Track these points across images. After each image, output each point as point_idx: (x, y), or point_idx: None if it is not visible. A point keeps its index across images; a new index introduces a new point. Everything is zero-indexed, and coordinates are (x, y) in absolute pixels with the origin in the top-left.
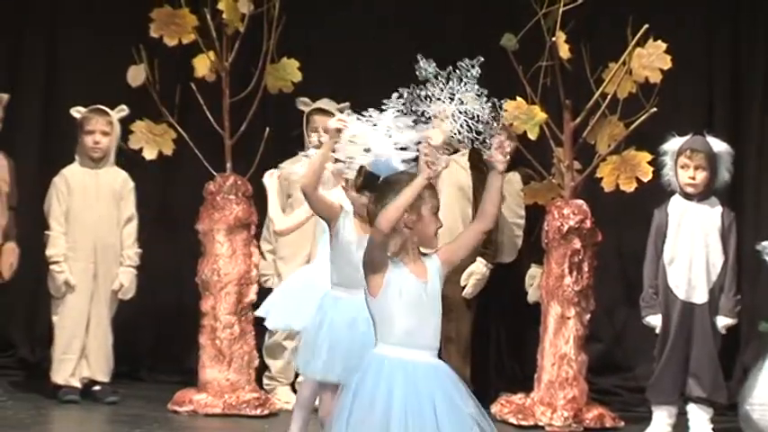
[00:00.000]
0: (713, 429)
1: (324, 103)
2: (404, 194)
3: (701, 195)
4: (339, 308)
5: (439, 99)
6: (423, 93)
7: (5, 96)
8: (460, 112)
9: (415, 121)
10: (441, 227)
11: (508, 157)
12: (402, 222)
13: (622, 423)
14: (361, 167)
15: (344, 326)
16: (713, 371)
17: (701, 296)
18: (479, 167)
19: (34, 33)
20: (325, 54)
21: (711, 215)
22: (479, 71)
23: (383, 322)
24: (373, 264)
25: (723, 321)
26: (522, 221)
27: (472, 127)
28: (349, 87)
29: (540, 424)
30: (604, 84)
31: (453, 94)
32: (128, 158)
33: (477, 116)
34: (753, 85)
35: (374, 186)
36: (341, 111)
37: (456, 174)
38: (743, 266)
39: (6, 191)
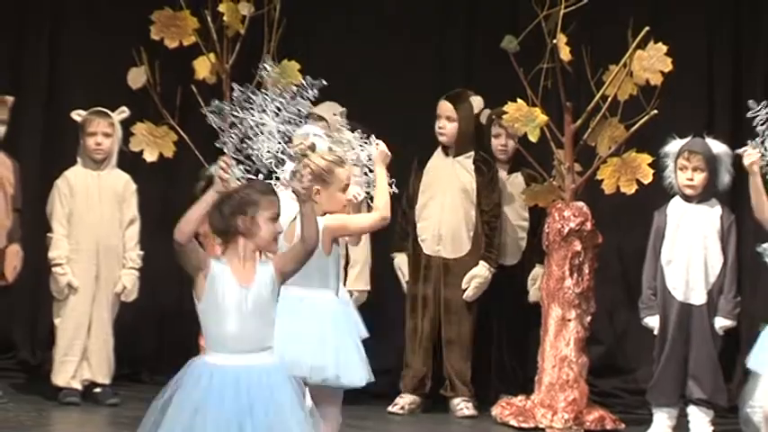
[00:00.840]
0: (714, 431)
1: (325, 107)
2: (196, 208)
3: (701, 197)
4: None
5: (264, 111)
6: (257, 98)
7: (11, 99)
8: (279, 131)
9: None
10: (280, 232)
11: (306, 187)
12: (235, 228)
13: (623, 425)
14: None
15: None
16: (713, 373)
17: (699, 297)
18: (483, 170)
19: (36, 35)
20: (325, 56)
21: (710, 217)
22: (316, 94)
23: (207, 327)
24: (188, 269)
25: (722, 323)
26: (526, 223)
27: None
28: (349, 90)
29: (541, 426)
30: (605, 86)
31: (280, 110)
32: (129, 160)
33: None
34: (753, 87)
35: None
36: (340, 114)
37: (460, 176)
38: (743, 268)
39: (11, 193)
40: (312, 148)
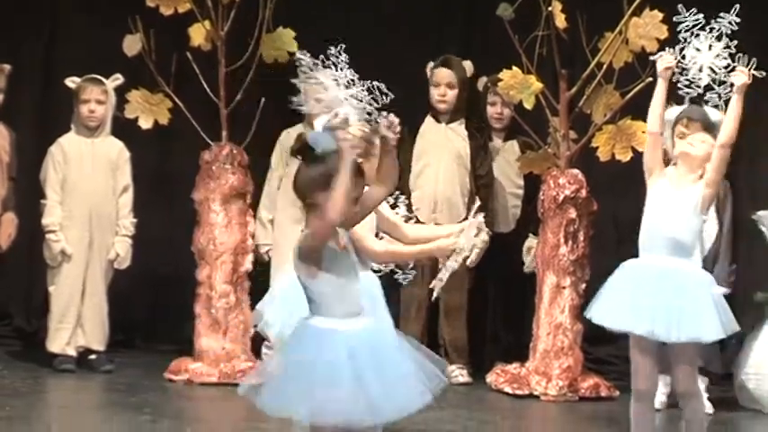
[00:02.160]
0: (708, 398)
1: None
2: (340, 183)
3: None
4: None
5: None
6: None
7: (8, 67)
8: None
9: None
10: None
11: (398, 135)
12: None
13: (617, 392)
14: (301, 134)
15: None
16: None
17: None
18: (476, 136)
19: (32, 4)
20: (320, 24)
21: None
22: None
23: (328, 299)
24: (315, 253)
25: (717, 290)
26: (521, 191)
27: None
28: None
29: (536, 393)
30: (600, 53)
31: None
32: (122, 128)
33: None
34: (749, 54)
35: (308, 156)
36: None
37: (454, 143)
38: (738, 236)
39: (6, 161)
40: (346, 122)
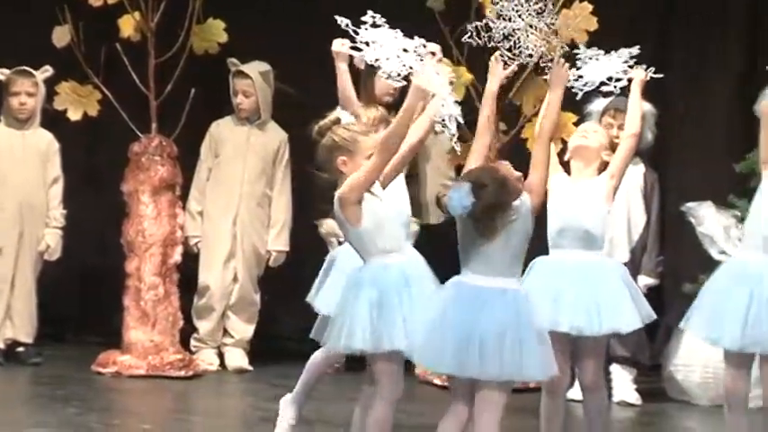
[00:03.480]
0: (636, 389)
1: (252, 66)
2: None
3: None
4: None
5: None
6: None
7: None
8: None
9: None
10: None
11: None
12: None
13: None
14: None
15: None
16: (636, 331)
17: (622, 255)
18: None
19: None
20: (251, 14)
21: (634, 175)
22: None
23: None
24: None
25: (645, 281)
26: (451, 183)
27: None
28: (275, 47)
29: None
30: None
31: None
32: (51, 119)
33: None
34: (678, 46)
35: None
36: (264, 76)
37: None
38: (666, 227)
39: None
40: (336, 121)
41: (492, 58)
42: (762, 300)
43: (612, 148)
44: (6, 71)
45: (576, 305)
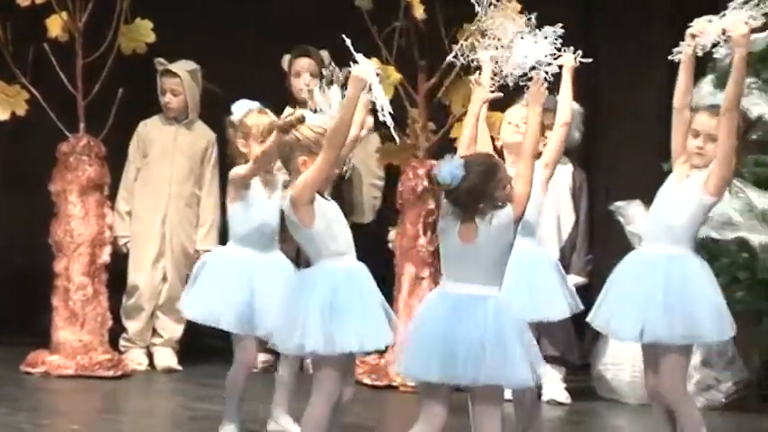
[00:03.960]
0: (566, 388)
1: (179, 65)
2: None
3: None
4: None
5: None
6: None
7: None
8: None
9: None
10: None
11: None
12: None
13: None
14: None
15: None
16: (565, 330)
17: (551, 254)
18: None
19: None
20: (178, 15)
21: (562, 174)
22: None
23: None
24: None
25: (574, 280)
26: (381, 182)
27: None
28: (203, 48)
29: (394, 384)
30: (459, 44)
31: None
32: None
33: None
34: (605, 46)
35: None
36: (192, 74)
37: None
38: (595, 226)
39: None
40: (301, 120)
41: (473, 80)
42: (664, 291)
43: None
44: None
45: (510, 293)
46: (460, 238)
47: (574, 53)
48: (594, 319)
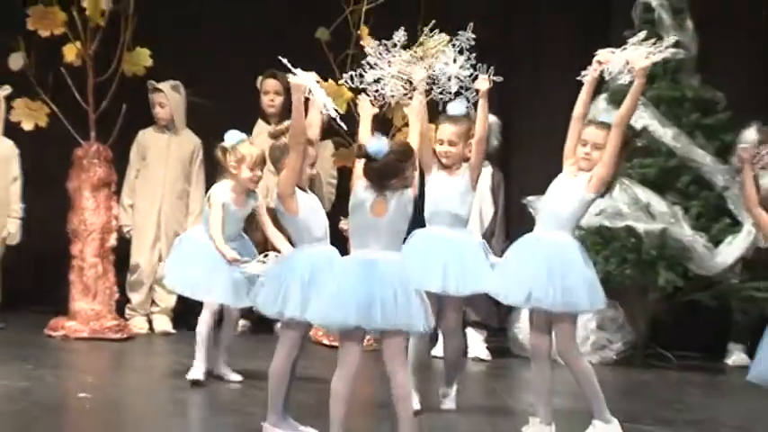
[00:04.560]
0: (487, 348)
1: (168, 84)
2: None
3: None
4: None
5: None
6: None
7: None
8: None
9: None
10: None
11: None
12: None
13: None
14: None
15: None
16: (486, 300)
17: (475, 239)
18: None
19: None
20: (171, 43)
21: (483, 174)
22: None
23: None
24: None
25: (493, 260)
26: (335, 180)
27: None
28: (192, 71)
29: None
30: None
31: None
32: (9, 128)
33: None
34: (521, 66)
35: None
36: (174, 88)
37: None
38: (511, 217)
39: None
40: (288, 129)
41: (359, 98)
42: (547, 267)
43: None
44: None
45: (447, 269)
46: (372, 212)
47: (487, 71)
48: (492, 287)
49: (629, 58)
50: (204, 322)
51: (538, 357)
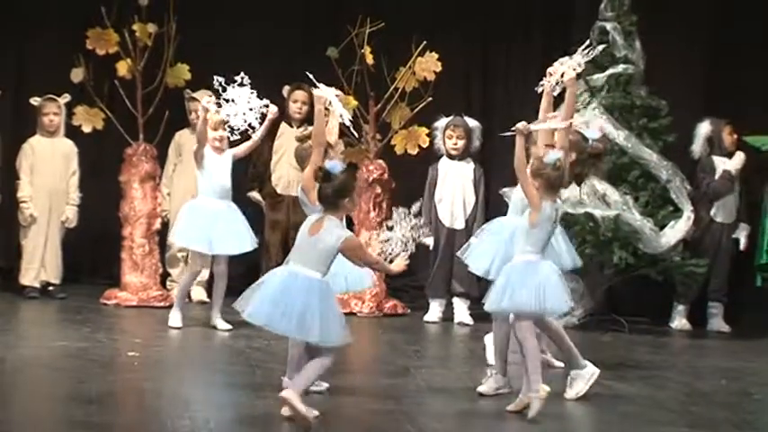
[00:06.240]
0: (470, 314)
1: (200, 93)
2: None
3: (460, 156)
4: None
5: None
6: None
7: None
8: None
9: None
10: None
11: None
12: None
13: (409, 310)
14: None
15: None
16: (469, 274)
17: (459, 224)
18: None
19: (5, 45)
20: (206, 60)
21: (466, 170)
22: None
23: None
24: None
25: (472, 241)
26: None
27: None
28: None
29: (354, 311)
30: (397, 81)
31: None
32: (71, 131)
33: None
34: (498, 78)
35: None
36: (194, 98)
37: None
38: (490, 205)
39: None
40: (310, 135)
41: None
42: (506, 244)
43: (452, 151)
44: (39, 99)
45: None
46: (309, 231)
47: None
48: (465, 257)
49: (564, 70)
50: (184, 282)
51: (496, 317)
